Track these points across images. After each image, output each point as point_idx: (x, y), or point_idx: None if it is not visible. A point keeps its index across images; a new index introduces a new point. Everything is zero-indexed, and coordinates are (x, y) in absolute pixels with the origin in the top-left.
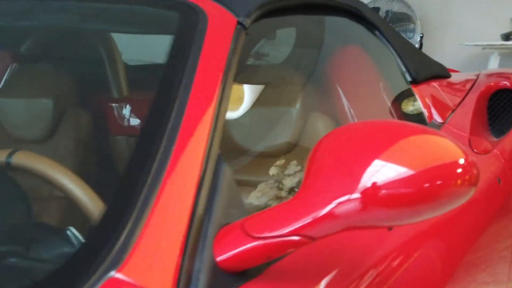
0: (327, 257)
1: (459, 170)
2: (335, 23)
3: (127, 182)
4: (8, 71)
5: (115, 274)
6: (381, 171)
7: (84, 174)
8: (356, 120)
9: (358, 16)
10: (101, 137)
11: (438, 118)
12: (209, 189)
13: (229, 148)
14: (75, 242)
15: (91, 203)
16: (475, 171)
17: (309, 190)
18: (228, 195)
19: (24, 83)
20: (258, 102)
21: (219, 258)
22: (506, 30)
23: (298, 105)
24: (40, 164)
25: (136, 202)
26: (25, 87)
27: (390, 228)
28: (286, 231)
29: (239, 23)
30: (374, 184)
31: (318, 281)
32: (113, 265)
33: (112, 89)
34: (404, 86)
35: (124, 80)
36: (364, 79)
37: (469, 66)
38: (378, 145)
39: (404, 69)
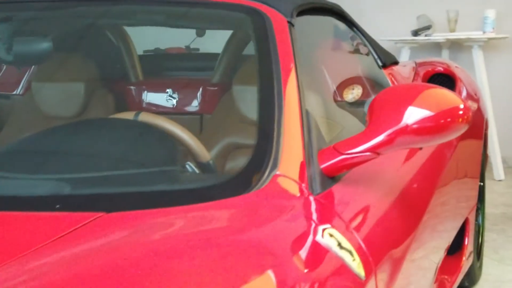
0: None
1: (461, 112)
2: (331, 21)
3: (266, 127)
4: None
5: (276, 172)
6: (414, 113)
7: None
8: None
9: (343, 17)
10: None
11: None
12: (307, 129)
13: None
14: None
15: (195, 144)
16: (470, 113)
17: (373, 125)
18: (317, 132)
19: (58, 69)
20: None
21: (322, 166)
22: (412, 27)
23: None
24: (159, 120)
25: (275, 137)
26: (60, 73)
27: (420, 148)
28: (361, 149)
29: (288, 22)
30: (410, 120)
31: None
32: (274, 168)
33: (130, 74)
34: (377, 69)
35: (139, 66)
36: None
37: None
38: (410, 96)
39: (376, 57)
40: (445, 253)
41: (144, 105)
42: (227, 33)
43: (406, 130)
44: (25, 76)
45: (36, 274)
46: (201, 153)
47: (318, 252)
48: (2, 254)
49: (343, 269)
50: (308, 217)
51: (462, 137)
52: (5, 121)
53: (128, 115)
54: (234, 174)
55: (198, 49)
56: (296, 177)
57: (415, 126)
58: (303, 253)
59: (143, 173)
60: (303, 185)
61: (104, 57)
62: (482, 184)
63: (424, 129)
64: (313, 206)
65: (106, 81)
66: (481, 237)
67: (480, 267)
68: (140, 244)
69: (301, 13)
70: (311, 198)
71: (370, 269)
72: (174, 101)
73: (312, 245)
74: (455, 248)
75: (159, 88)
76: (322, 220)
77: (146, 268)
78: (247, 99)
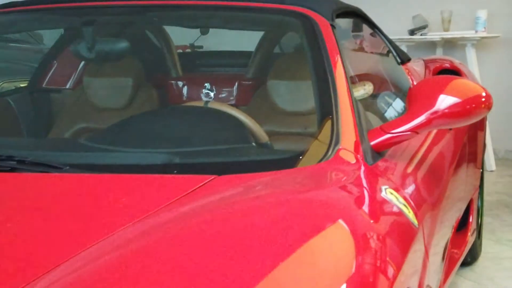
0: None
1: (483, 99)
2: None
3: (327, 112)
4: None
5: (339, 147)
6: (445, 100)
7: None
8: None
9: (366, 19)
10: (164, 105)
11: None
12: (357, 113)
13: None
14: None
15: (255, 127)
16: (491, 100)
17: (412, 110)
18: (364, 116)
19: (108, 66)
20: None
21: (371, 143)
22: (408, 27)
23: None
24: (227, 108)
25: (335, 120)
26: (109, 69)
27: (450, 129)
28: (404, 129)
29: (331, 24)
30: (442, 106)
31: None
32: (337, 144)
33: (171, 70)
34: (397, 65)
35: (178, 63)
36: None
37: None
38: (441, 86)
39: (395, 54)
40: (454, 229)
41: (184, 98)
42: (231, 32)
43: (439, 114)
44: (75, 73)
45: (173, 226)
46: (261, 135)
47: (381, 206)
48: (138, 210)
49: (402, 218)
50: (369, 180)
51: (470, 127)
52: (58, 112)
53: (200, 104)
54: (307, 148)
55: (201, 47)
56: (354, 151)
57: (446, 110)
58: (368, 207)
59: (235, 147)
60: (359, 156)
61: (149, 55)
62: (481, 170)
63: (453, 113)
64: (371, 172)
65: (150, 77)
66: (480, 218)
67: (480, 244)
68: (250, 198)
69: (336, 16)
70: (367, 167)
71: (418, 221)
72: (212, 94)
73: (376, 200)
74: (461, 226)
75: (197, 83)
76: (380, 182)
77: (256, 214)
78: (280, 92)
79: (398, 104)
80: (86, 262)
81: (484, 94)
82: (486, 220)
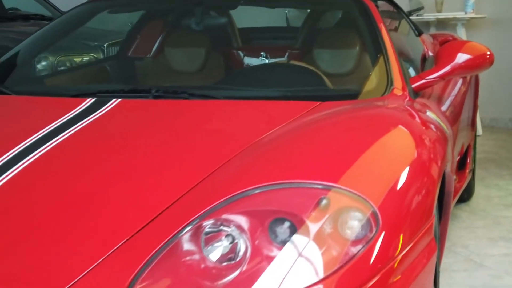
0: (435, 94)
1: (488, 56)
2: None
3: (384, 63)
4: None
5: (393, 87)
6: (462, 56)
7: None
8: None
9: (391, 1)
10: (228, 69)
11: (430, 53)
12: (402, 64)
13: None
14: None
15: (323, 76)
16: (493, 57)
17: (439, 64)
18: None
19: (186, 39)
20: None
21: (413, 86)
22: (405, 9)
23: None
24: (304, 64)
25: (388, 69)
26: (186, 41)
27: (466, 77)
28: (435, 76)
29: (375, 4)
30: (460, 61)
31: None
32: (391, 85)
33: (233, 42)
34: (415, 36)
35: (239, 37)
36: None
37: None
38: (458, 47)
39: (414, 28)
40: (457, 165)
41: (244, 65)
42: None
43: (458, 66)
44: (155, 44)
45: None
46: (327, 82)
47: (426, 119)
48: (277, 120)
49: (440, 126)
50: (415, 106)
51: (469, 86)
52: (142, 75)
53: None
54: (374, 88)
55: None
56: (402, 90)
57: (462, 64)
58: (419, 119)
59: (323, 88)
60: (406, 93)
61: (217, 30)
62: (475, 133)
63: (467, 66)
64: (416, 103)
65: (217, 47)
66: (473, 164)
67: (474, 185)
68: (348, 111)
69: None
70: (411, 100)
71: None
72: (267, 61)
73: (422, 116)
74: (461, 166)
75: (254, 52)
76: (421, 107)
77: (351, 119)
78: (325, 59)
79: (417, 63)
80: (246, 153)
81: (488, 53)
82: (477, 172)
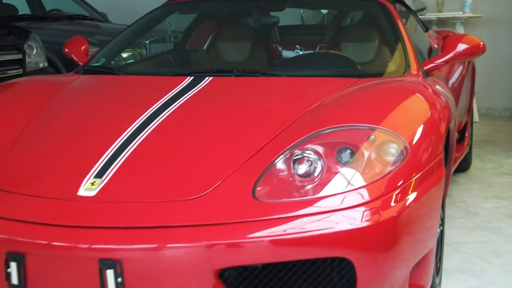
0: (442, 75)
1: (481, 46)
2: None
3: (402, 50)
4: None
5: (410, 69)
6: (461, 46)
7: None
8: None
9: (402, 1)
10: (269, 60)
11: (435, 46)
12: (417, 50)
13: None
14: None
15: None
16: (485, 47)
17: (445, 51)
18: (419, 54)
19: (235, 34)
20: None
21: (425, 68)
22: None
23: None
24: (335, 51)
25: (405, 55)
26: (235, 36)
27: (464, 61)
28: (441, 61)
29: (394, 6)
30: (460, 49)
31: None
32: (408, 67)
33: (272, 37)
34: (424, 32)
35: (277, 32)
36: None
37: None
38: (459, 39)
39: (422, 25)
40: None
41: (283, 57)
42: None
43: (458, 53)
44: (208, 39)
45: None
46: (358, 66)
47: (437, 91)
48: (327, 90)
49: (448, 97)
50: (427, 82)
51: (467, 72)
52: (197, 65)
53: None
54: (395, 70)
55: None
56: (417, 70)
57: (462, 51)
58: (431, 90)
59: (355, 67)
60: (420, 73)
61: (260, 27)
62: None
63: (466, 53)
64: (428, 80)
65: (260, 41)
66: (470, 139)
67: (471, 158)
68: (377, 84)
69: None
70: (424, 78)
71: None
72: (301, 53)
73: (433, 89)
74: (460, 139)
75: (290, 46)
76: (433, 83)
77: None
78: (354, 49)
79: (425, 52)
80: (315, 109)
81: (481, 43)
82: (474, 150)
